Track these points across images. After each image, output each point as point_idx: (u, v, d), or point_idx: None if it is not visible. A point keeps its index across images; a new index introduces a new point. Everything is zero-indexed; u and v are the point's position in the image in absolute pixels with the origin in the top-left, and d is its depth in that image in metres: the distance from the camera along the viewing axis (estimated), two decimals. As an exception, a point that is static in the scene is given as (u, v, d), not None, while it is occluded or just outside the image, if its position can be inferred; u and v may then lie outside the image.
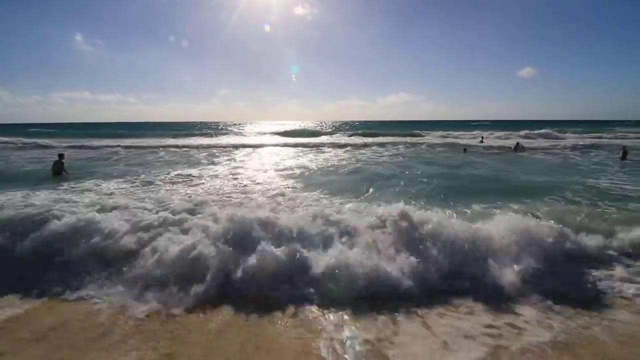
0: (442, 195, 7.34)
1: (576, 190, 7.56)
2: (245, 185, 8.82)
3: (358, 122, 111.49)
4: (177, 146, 21.99)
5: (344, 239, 4.31)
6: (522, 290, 3.53)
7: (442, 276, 3.75)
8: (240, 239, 4.12)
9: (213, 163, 13.83)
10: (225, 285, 3.55)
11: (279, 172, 11.08)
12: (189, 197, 6.90)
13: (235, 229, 4.24)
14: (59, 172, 10.37)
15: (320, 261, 3.76)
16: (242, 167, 12.77)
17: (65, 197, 6.07)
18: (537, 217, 5.23)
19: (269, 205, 6.00)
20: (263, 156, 17.01)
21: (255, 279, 3.58)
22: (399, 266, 3.73)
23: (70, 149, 19.95)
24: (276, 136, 33.36)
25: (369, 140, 26.66)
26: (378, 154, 17.87)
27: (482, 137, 27.28)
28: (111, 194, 7.51)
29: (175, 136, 34.10)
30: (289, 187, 8.51)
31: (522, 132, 31.48)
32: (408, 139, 27.82)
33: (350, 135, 34.09)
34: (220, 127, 59.01)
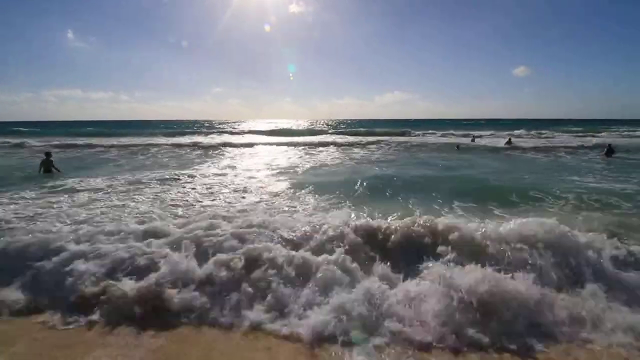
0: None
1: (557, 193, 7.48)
2: (229, 189, 8.56)
3: (354, 120, 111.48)
4: (167, 145, 21.73)
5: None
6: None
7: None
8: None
9: (200, 164, 13.58)
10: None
11: (267, 175, 10.78)
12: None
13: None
14: (48, 170, 10.35)
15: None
16: (231, 168, 12.53)
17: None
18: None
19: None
20: (252, 156, 16.81)
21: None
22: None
23: (57, 149, 19.49)
24: (268, 136, 32.95)
25: (364, 139, 26.42)
26: (371, 152, 17.99)
27: (474, 136, 27.41)
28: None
29: (166, 134, 33.79)
30: (275, 194, 7.67)
31: (517, 132, 32.01)
32: (402, 138, 27.79)
33: (344, 134, 33.86)
34: (213, 126, 58.43)
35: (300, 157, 15.88)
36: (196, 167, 12.32)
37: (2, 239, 4.28)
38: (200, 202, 6.96)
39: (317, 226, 4.44)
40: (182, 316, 3.09)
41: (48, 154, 10.80)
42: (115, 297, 3.22)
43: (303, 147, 20.65)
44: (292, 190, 7.91)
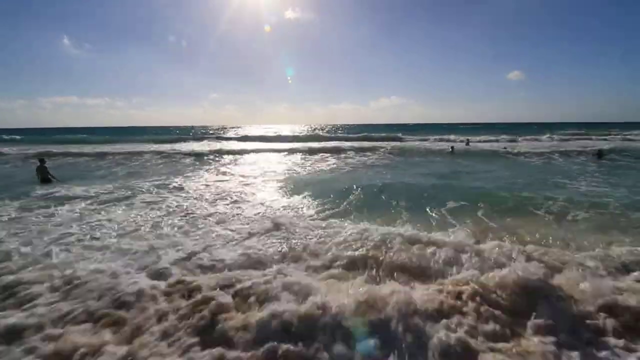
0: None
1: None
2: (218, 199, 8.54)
3: (351, 125, 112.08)
4: (159, 152, 21.55)
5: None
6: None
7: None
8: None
9: (193, 172, 13.53)
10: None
11: (262, 182, 10.77)
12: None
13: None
14: (46, 179, 10.07)
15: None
16: (225, 175, 12.50)
17: None
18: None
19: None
20: (245, 164, 16.72)
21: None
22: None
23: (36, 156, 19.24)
24: (266, 142, 32.77)
25: (360, 144, 26.47)
26: (367, 157, 18.12)
27: (468, 140, 27.66)
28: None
29: (158, 142, 33.19)
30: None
31: (512, 136, 32.60)
32: (397, 143, 27.90)
33: (340, 139, 33.90)
34: (209, 132, 58.03)
35: (300, 165, 15.75)
36: (189, 174, 12.28)
37: None
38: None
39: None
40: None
41: (42, 160, 10.56)
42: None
43: (302, 154, 20.70)
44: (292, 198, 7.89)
